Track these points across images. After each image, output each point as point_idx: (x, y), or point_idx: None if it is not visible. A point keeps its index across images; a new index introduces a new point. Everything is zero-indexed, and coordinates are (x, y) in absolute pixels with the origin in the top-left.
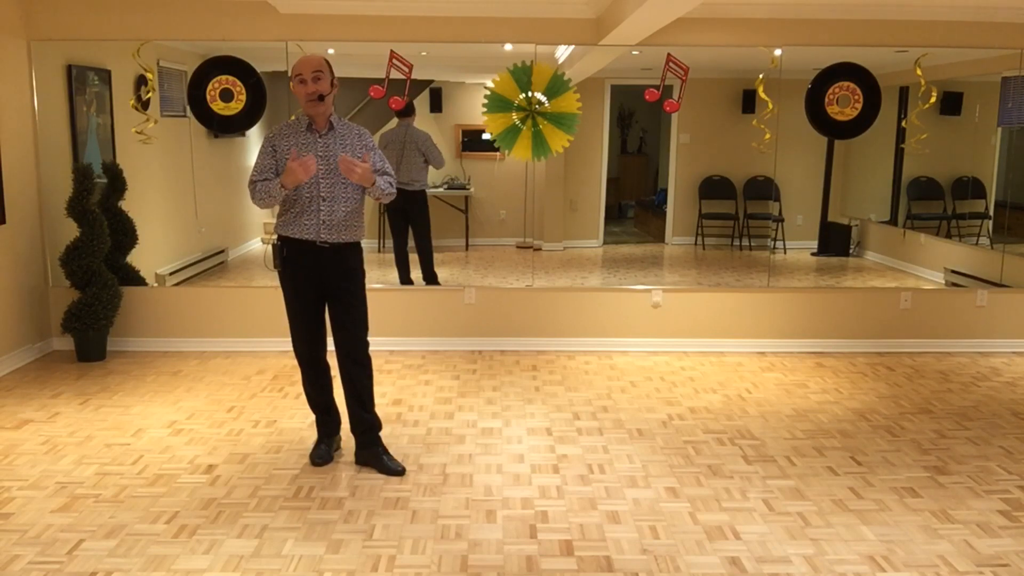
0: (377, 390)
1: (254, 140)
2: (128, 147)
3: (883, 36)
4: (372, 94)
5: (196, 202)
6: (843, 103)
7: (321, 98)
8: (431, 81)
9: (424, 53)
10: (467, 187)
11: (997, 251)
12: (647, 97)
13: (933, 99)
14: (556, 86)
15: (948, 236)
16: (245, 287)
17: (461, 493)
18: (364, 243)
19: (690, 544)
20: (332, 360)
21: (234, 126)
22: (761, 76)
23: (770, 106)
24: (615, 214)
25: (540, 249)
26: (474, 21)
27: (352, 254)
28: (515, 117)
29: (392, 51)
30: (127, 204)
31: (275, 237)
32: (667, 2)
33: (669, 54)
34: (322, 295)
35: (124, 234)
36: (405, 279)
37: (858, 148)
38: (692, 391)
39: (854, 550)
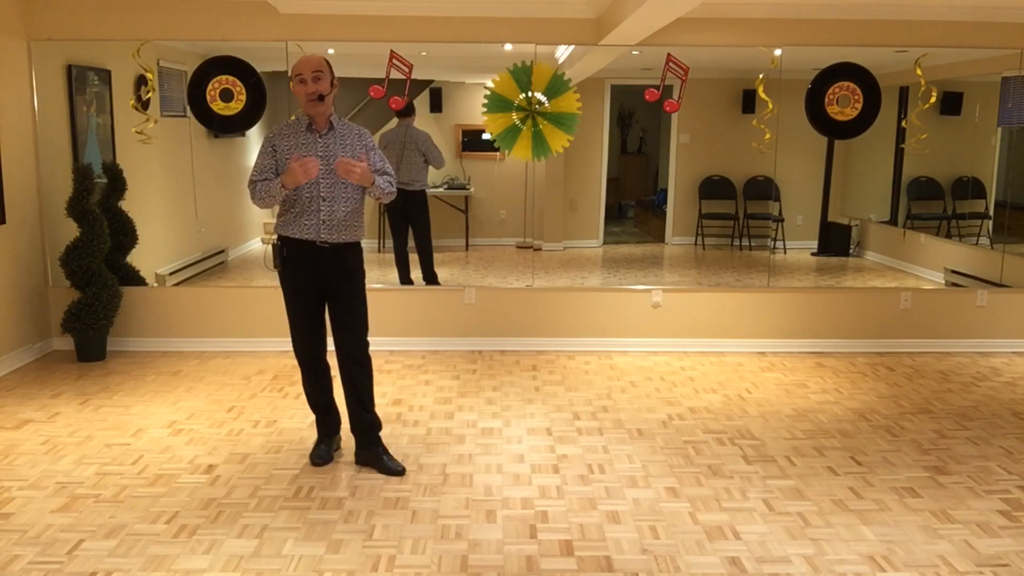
0: (377, 390)
1: (254, 140)
2: (128, 147)
3: (883, 36)
4: (372, 94)
5: (196, 202)
6: (843, 103)
7: (321, 98)
8: (431, 81)
9: (424, 53)
10: (467, 187)
11: (997, 251)
12: (647, 97)
13: (933, 99)
14: (556, 86)
15: (948, 236)
16: (245, 287)
17: (461, 493)
18: (364, 243)
19: (690, 544)
20: (332, 360)
21: (234, 126)
22: (761, 76)
23: (770, 106)
24: (615, 214)
25: (540, 249)
26: (474, 21)
27: (352, 254)
28: (515, 117)
29: (392, 51)
30: (127, 204)
31: (275, 237)
32: (667, 2)
33: (669, 54)
34: (322, 295)
35: (124, 234)
36: (405, 279)
37: (858, 148)
38: (692, 391)
39: (854, 550)
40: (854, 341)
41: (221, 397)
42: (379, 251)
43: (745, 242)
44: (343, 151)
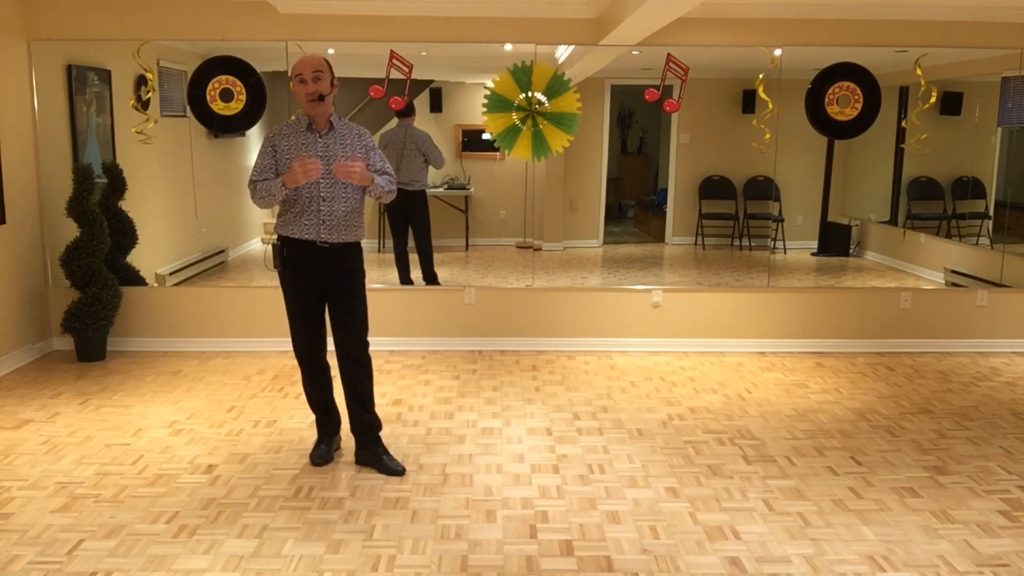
0: (377, 390)
1: (254, 140)
2: (128, 147)
3: (883, 36)
4: (372, 94)
5: (196, 202)
6: (843, 103)
7: (321, 98)
8: (431, 81)
9: (424, 53)
10: (467, 187)
11: (997, 251)
12: (647, 97)
13: (933, 99)
14: (556, 86)
15: (948, 236)
16: (245, 287)
17: (461, 493)
18: (364, 243)
19: (690, 544)
20: (332, 360)
21: (234, 126)
22: (761, 76)
23: (770, 106)
24: (615, 214)
25: (540, 249)
26: (474, 21)
27: (352, 254)
28: (515, 117)
29: (392, 51)
30: (127, 204)
31: (275, 237)
32: (667, 2)
33: (669, 54)
34: (322, 295)
35: (124, 234)
36: (405, 279)
37: (858, 148)
38: (692, 391)
39: (854, 550)
40: (854, 341)
41: (221, 397)
42: (379, 251)
43: (745, 242)
44: (343, 151)
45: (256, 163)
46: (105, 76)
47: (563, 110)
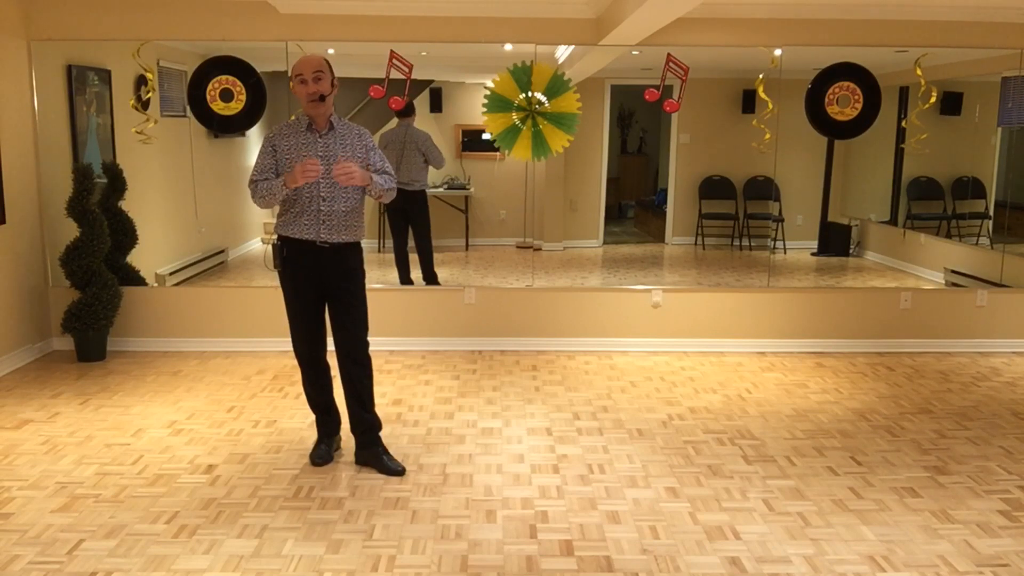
0: (377, 390)
1: (254, 140)
2: (128, 147)
3: (883, 36)
4: (372, 94)
5: (196, 202)
6: (843, 103)
7: (322, 98)
8: (431, 81)
9: (424, 53)
10: (467, 187)
11: (997, 251)
12: (647, 97)
13: (933, 99)
14: (556, 86)
15: (948, 236)
16: (245, 287)
17: (461, 493)
18: (364, 243)
19: (690, 544)
20: (332, 360)
21: (234, 126)
22: (761, 76)
23: (770, 106)
24: (615, 214)
25: (540, 249)
26: (474, 21)
27: (352, 254)
28: (515, 117)
29: (392, 51)
30: (127, 204)
31: (275, 237)
32: (667, 2)
33: (669, 54)
34: (322, 295)
35: (124, 234)
36: (405, 279)
37: (858, 148)
38: (692, 391)
39: (854, 550)
40: (854, 341)
41: (221, 397)
42: (379, 251)
43: (745, 242)
44: (343, 151)
45: (256, 163)
46: (105, 76)
47: (563, 110)
